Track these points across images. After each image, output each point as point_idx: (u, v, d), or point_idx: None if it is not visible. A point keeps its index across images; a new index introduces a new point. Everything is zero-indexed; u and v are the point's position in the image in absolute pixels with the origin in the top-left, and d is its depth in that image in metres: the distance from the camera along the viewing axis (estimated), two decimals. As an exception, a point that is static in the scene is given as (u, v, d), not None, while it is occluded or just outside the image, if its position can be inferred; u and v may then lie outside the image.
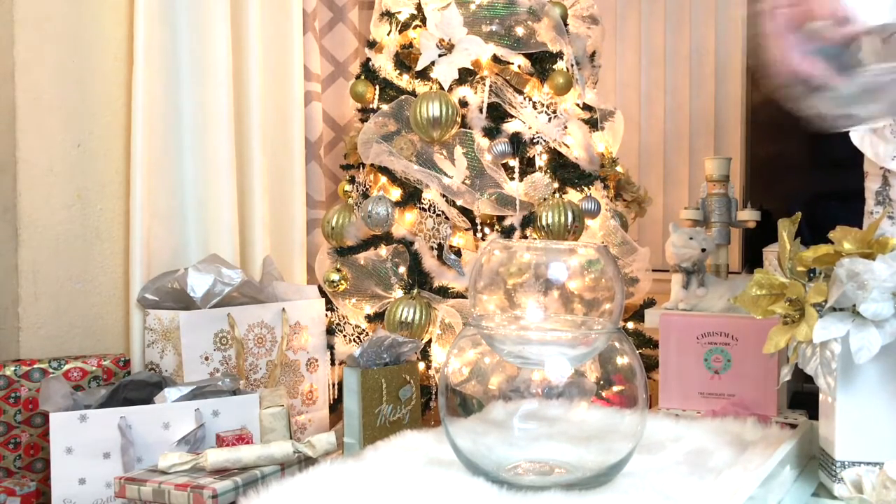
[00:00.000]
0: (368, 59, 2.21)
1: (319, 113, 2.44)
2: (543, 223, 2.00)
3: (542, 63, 2.09)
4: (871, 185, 1.31)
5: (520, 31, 2.08)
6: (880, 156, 1.27)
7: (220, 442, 1.57)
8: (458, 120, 2.04)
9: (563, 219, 1.99)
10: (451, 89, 2.05)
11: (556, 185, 2.04)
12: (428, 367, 2.02)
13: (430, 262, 2.05)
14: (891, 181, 1.27)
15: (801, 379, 1.80)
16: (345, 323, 2.16)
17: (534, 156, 2.04)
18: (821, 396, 1.07)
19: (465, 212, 2.06)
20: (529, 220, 2.02)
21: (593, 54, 2.31)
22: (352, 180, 2.21)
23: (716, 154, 2.66)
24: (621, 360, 1.05)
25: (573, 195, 2.06)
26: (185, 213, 2.03)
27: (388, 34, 2.19)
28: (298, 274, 2.28)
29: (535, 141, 2.03)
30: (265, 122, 2.17)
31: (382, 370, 1.83)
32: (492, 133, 2.03)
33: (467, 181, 2.03)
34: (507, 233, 2.03)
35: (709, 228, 2.05)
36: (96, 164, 1.92)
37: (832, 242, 1.04)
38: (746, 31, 2.70)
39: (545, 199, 2.03)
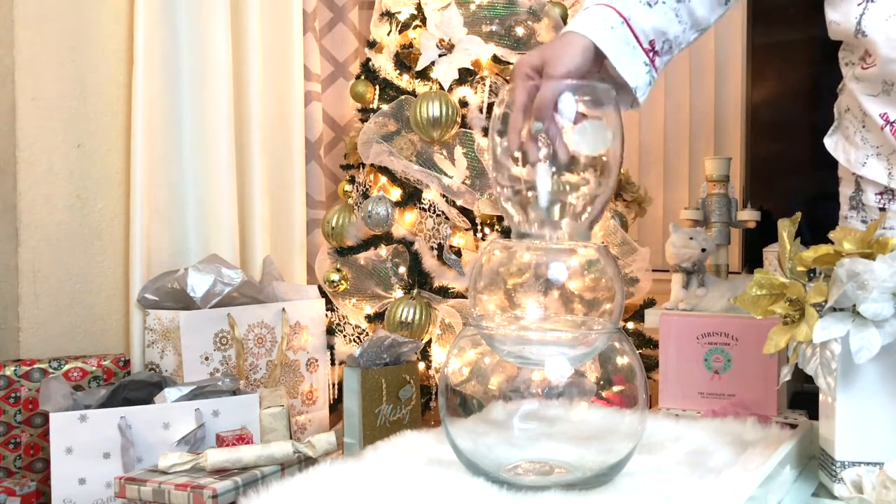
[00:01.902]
0: (368, 59, 2.21)
1: (319, 113, 2.44)
2: (543, 223, 2.00)
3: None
4: (845, 191, 1.31)
5: (520, 31, 2.08)
6: (851, 162, 1.27)
7: (220, 442, 1.57)
8: (458, 120, 2.04)
9: (563, 219, 2.00)
10: (451, 89, 2.05)
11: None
12: (428, 367, 2.02)
13: (430, 262, 2.05)
14: (863, 186, 1.27)
15: (801, 379, 1.80)
16: (345, 323, 2.16)
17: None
18: (821, 396, 1.07)
19: (465, 212, 2.06)
20: (529, 220, 2.02)
21: (593, 54, 2.31)
22: (352, 180, 2.21)
23: (716, 154, 2.66)
24: (621, 360, 1.05)
25: (573, 195, 2.06)
26: (185, 213, 2.03)
27: (388, 34, 2.19)
28: (298, 274, 2.28)
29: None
30: (265, 122, 2.17)
31: (382, 370, 1.83)
32: (492, 133, 2.03)
33: (467, 181, 2.03)
34: (507, 233, 2.02)
35: (709, 228, 2.05)
36: (96, 164, 1.92)
37: (832, 242, 1.04)
38: (747, 31, 2.70)
39: (545, 199, 2.02)
